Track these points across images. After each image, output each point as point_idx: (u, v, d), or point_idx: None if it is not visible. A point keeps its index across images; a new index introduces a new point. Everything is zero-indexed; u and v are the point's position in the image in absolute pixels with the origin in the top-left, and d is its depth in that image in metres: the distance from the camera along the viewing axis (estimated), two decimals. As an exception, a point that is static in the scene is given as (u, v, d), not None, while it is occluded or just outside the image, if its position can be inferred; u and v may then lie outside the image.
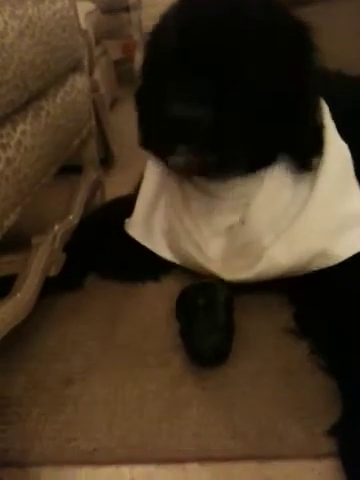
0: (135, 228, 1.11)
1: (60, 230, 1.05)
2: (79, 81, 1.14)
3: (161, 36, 0.90)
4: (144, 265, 1.11)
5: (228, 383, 0.83)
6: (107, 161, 1.75)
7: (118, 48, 3.13)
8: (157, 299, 1.05)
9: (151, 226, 1.10)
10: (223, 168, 0.88)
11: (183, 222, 1.03)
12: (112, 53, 2.69)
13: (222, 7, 0.81)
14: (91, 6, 2.10)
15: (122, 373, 0.87)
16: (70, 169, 1.22)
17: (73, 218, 1.08)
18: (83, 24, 1.68)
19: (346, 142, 0.97)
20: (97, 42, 2.12)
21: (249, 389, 0.82)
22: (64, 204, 1.12)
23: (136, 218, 1.11)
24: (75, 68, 1.14)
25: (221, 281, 0.96)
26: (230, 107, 0.80)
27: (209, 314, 0.89)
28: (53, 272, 0.99)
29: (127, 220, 1.13)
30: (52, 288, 1.01)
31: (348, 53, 1.62)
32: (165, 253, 1.09)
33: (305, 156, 0.93)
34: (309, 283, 0.95)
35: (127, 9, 2.69)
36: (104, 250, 1.12)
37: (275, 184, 0.95)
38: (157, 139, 0.88)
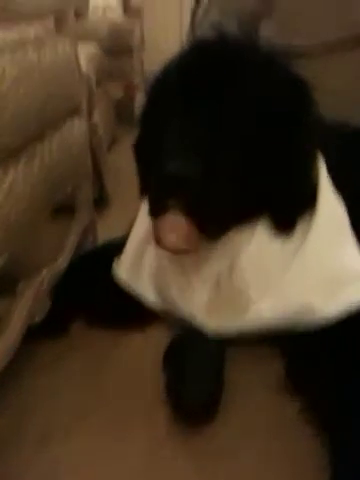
0: (123, 270, 1.09)
1: (48, 274, 1.02)
2: (77, 126, 1.14)
3: (161, 85, 0.91)
4: (132, 313, 1.08)
5: (216, 442, 0.81)
6: (102, 201, 1.74)
7: (120, 87, 3.18)
8: (144, 349, 1.03)
9: (140, 269, 1.08)
10: (212, 226, 0.87)
11: (171, 267, 1.02)
12: (113, 92, 2.73)
13: (225, 59, 0.84)
14: (94, 49, 2.13)
15: (105, 431, 0.84)
16: (63, 209, 1.21)
17: (62, 262, 1.06)
18: (84, 68, 1.69)
19: (343, 192, 0.97)
20: (98, 84, 2.14)
21: (238, 448, 0.79)
22: (54, 247, 1.10)
23: (125, 259, 1.09)
24: (73, 113, 1.14)
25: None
26: (223, 162, 0.80)
27: (197, 366, 0.87)
28: (37, 318, 0.97)
29: (116, 261, 1.10)
30: (35, 335, 0.98)
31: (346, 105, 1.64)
32: (151, 298, 1.06)
33: (291, 214, 0.92)
34: (300, 338, 0.92)
35: (130, 51, 2.73)
36: (91, 296, 1.09)
37: (265, 235, 0.94)
38: (150, 194, 0.87)
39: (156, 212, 0.86)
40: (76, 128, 1.13)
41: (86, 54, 1.87)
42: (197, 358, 0.89)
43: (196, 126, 0.81)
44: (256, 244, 0.93)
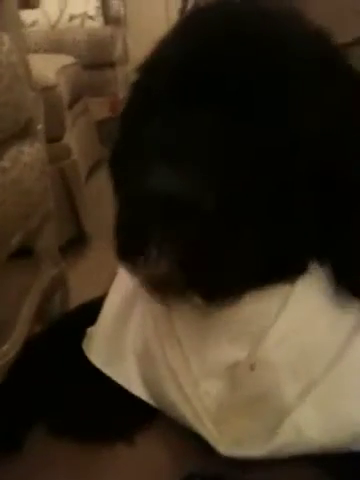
0: (97, 349, 0.77)
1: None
2: (27, 153, 0.83)
3: (150, 71, 0.61)
4: (114, 415, 0.76)
5: None
6: (80, 241, 1.42)
7: (103, 105, 2.91)
8: (131, 472, 0.70)
9: (120, 346, 0.77)
10: (224, 284, 0.56)
11: (164, 348, 0.71)
12: (99, 112, 2.46)
13: (247, 27, 0.54)
14: (68, 59, 1.87)
15: None
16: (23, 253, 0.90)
17: (9, 349, 0.74)
18: (53, 79, 1.42)
19: None
20: (75, 100, 1.86)
21: None
22: (2, 317, 0.78)
23: (100, 334, 0.78)
24: (21, 135, 0.83)
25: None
26: (241, 183, 0.52)
27: None
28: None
29: (87, 336, 0.79)
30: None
31: None
32: (137, 390, 0.75)
33: (352, 270, 0.61)
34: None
35: (112, 65, 2.46)
36: (55, 394, 0.77)
37: (306, 306, 0.64)
38: (122, 229, 0.57)
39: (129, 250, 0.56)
40: (26, 156, 0.81)
41: (56, 65, 1.58)
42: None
43: (206, 128, 0.52)
44: (290, 321, 0.63)
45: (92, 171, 2.03)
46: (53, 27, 2.42)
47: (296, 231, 0.58)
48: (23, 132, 0.83)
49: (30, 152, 0.84)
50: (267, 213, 0.54)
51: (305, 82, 0.53)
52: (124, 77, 2.59)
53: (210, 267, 0.53)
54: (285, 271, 0.62)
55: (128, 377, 0.75)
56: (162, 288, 0.59)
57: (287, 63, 0.53)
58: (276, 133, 0.52)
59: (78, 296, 1.04)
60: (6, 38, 0.77)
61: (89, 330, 0.80)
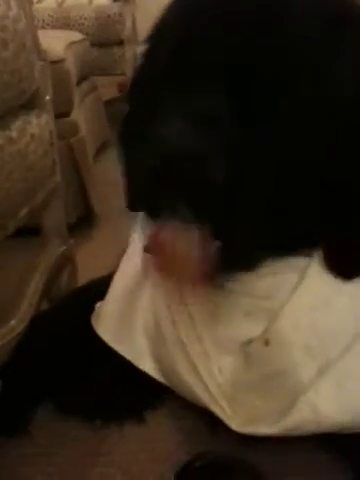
0: (106, 326, 0.75)
1: (-5, 343, 0.69)
2: (35, 124, 0.80)
3: (158, 40, 0.59)
4: (123, 394, 0.74)
5: None
6: (88, 221, 1.40)
7: (113, 86, 2.87)
8: (140, 452, 0.68)
9: (130, 322, 0.74)
10: (239, 255, 0.54)
11: (175, 325, 0.69)
12: (107, 91, 2.44)
13: None
14: (77, 36, 1.82)
15: None
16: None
17: (16, 324, 0.72)
18: (61, 53, 1.38)
19: None
20: (84, 77, 1.83)
21: None
22: (4, 299, 0.76)
23: (109, 310, 0.76)
24: (28, 106, 0.80)
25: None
26: (259, 147, 0.50)
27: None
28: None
29: (96, 312, 0.77)
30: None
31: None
32: (147, 366, 0.73)
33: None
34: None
35: (121, 43, 2.40)
36: (62, 371, 0.75)
37: (324, 282, 0.61)
38: (138, 191, 0.55)
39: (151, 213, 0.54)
40: (33, 128, 0.79)
41: (64, 41, 1.54)
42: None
43: (212, 85, 0.51)
44: (308, 296, 0.61)
45: (99, 152, 2.00)
46: (60, 4, 2.37)
47: (307, 202, 0.56)
48: (30, 103, 0.81)
49: (38, 123, 0.81)
50: (277, 184, 0.52)
51: (306, 59, 0.50)
52: (133, 56, 2.55)
53: (223, 235, 0.51)
54: (300, 242, 0.60)
55: (138, 354, 0.73)
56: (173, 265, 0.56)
57: (286, 43, 0.50)
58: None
59: (86, 274, 1.03)
60: (13, 3, 0.74)
61: (98, 306, 0.78)
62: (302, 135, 0.52)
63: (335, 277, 0.60)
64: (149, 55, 0.62)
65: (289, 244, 0.60)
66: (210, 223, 0.50)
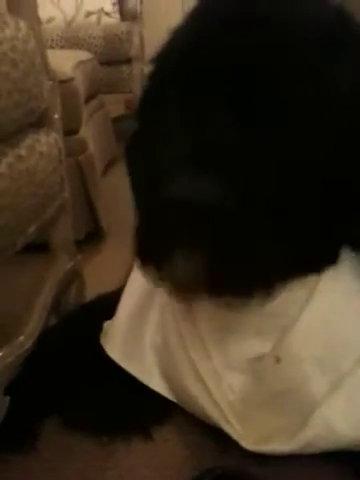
0: (114, 343, 0.75)
1: (4, 360, 0.69)
2: (44, 142, 0.82)
3: (161, 61, 0.60)
4: (130, 410, 0.74)
5: None
6: (96, 236, 1.41)
7: (120, 103, 2.90)
8: (147, 467, 0.68)
9: (139, 340, 0.75)
10: (250, 285, 0.54)
11: (184, 342, 0.69)
12: (114, 109, 2.45)
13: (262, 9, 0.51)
14: (86, 55, 1.86)
15: None
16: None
17: (24, 340, 0.72)
18: (70, 72, 1.41)
19: None
20: (92, 96, 1.86)
21: None
22: (12, 315, 0.77)
23: (118, 328, 0.76)
24: (37, 124, 0.81)
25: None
26: (261, 180, 0.50)
27: None
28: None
29: (104, 330, 0.77)
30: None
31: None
32: (156, 384, 0.73)
33: None
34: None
35: (128, 61, 2.44)
36: (70, 386, 0.75)
37: (335, 296, 0.62)
38: (144, 235, 0.55)
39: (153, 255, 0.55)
40: (42, 146, 0.80)
41: (73, 60, 1.57)
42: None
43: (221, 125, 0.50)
44: (319, 312, 0.61)
45: (108, 168, 2.02)
46: (69, 24, 2.42)
47: (321, 224, 0.56)
48: (39, 121, 0.82)
49: (47, 141, 0.82)
50: (290, 209, 0.52)
51: (306, 61, 0.51)
52: (140, 74, 2.58)
53: (237, 267, 0.51)
54: (314, 264, 0.60)
55: (147, 372, 0.73)
56: (186, 290, 0.57)
57: (286, 45, 0.51)
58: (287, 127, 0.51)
59: (94, 289, 1.03)
60: (23, 25, 0.76)
61: (106, 324, 0.78)
62: (303, 137, 0.52)
63: None
64: (157, 72, 0.63)
65: (303, 268, 0.59)
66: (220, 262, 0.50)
